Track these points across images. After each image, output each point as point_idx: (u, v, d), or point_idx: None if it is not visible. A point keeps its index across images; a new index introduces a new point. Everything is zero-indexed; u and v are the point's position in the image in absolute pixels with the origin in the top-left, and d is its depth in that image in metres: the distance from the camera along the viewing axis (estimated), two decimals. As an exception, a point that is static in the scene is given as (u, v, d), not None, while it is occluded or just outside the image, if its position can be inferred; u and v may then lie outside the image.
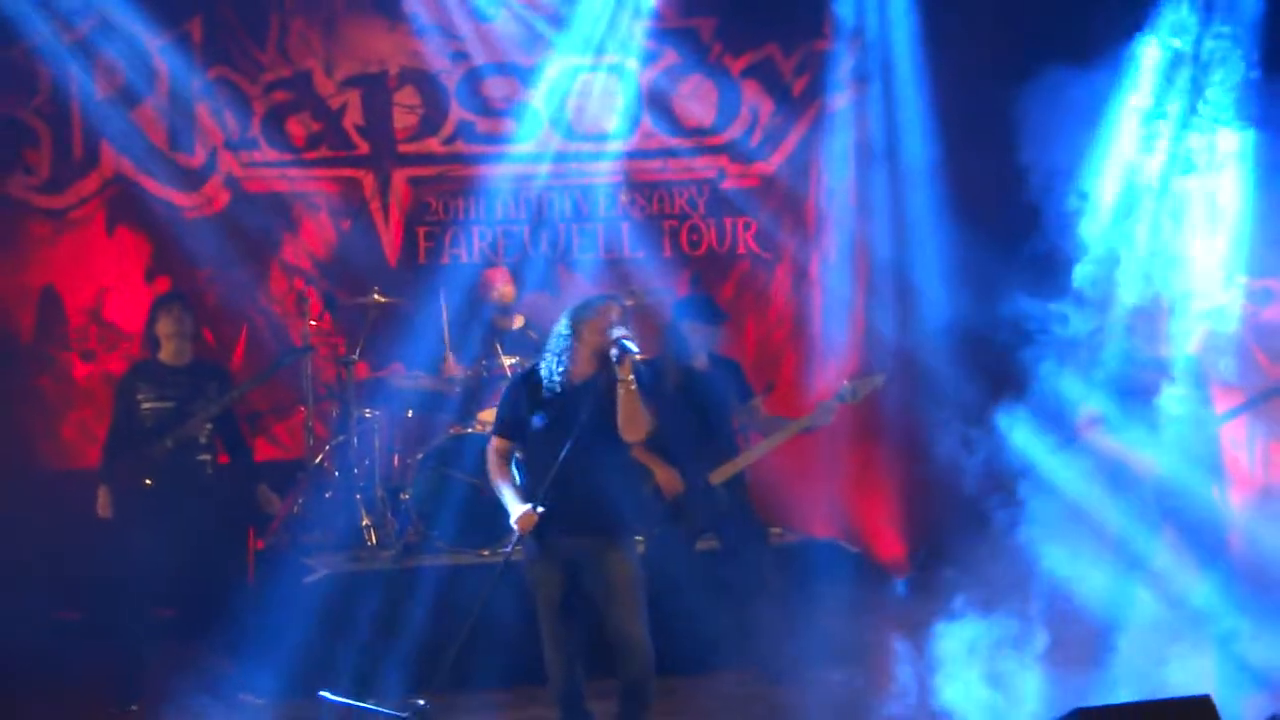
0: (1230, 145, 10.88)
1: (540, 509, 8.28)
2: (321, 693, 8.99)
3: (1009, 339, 10.21)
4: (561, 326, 8.55)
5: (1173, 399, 9.87)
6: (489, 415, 11.63)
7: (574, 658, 8.63)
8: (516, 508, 8.43)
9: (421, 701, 8.68)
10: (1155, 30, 11.04)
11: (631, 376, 8.25)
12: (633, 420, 8.33)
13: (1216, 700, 6.85)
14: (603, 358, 8.34)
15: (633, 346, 8.23)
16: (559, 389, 8.44)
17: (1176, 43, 10.99)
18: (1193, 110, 11.04)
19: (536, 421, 8.45)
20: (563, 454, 8.20)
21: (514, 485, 8.62)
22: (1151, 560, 9.72)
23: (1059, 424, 10.00)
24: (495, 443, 8.72)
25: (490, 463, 8.70)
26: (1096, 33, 11.17)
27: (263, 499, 10.89)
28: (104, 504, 10.53)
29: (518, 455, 8.81)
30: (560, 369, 8.47)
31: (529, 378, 8.62)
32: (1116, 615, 9.61)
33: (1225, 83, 10.89)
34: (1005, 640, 9.15)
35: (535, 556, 8.52)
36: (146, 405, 10.55)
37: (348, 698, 9.39)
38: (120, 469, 10.50)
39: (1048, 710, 8.34)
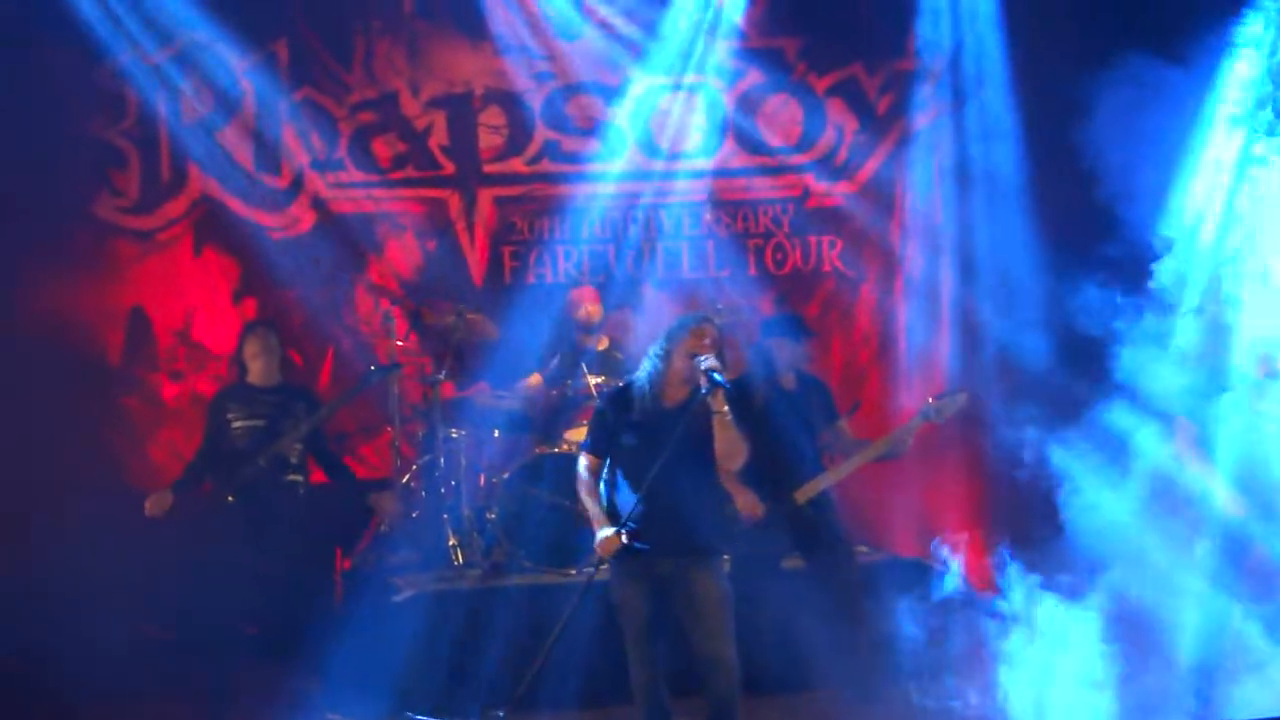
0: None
1: (625, 532, 8.28)
2: (407, 714, 9.00)
3: (1096, 338, 10.14)
4: (656, 347, 8.56)
5: (1239, 415, 9.78)
6: (574, 435, 11.65)
7: (659, 678, 8.58)
8: (601, 530, 8.42)
9: (501, 714, 8.81)
10: (1247, 40, 10.98)
11: (726, 408, 8.24)
12: (730, 450, 8.34)
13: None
14: (694, 381, 8.33)
15: (720, 378, 8.21)
16: (651, 409, 8.44)
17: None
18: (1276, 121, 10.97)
19: (627, 440, 8.47)
20: (651, 474, 8.17)
21: (601, 505, 8.59)
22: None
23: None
24: (586, 460, 8.68)
25: (580, 480, 8.69)
26: (1184, 33, 11.12)
27: (377, 504, 11.02)
28: (158, 501, 10.65)
29: (606, 475, 8.71)
30: (652, 389, 8.47)
31: (622, 396, 8.63)
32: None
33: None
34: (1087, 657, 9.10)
35: (623, 577, 8.50)
36: (237, 425, 10.67)
37: (431, 717, 9.42)
38: (205, 485, 10.59)
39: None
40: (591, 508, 8.60)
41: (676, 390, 8.46)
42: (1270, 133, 11.27)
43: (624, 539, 8.28)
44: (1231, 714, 8.95)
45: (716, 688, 8.37)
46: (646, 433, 8.38)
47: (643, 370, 8.58)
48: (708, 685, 8.42)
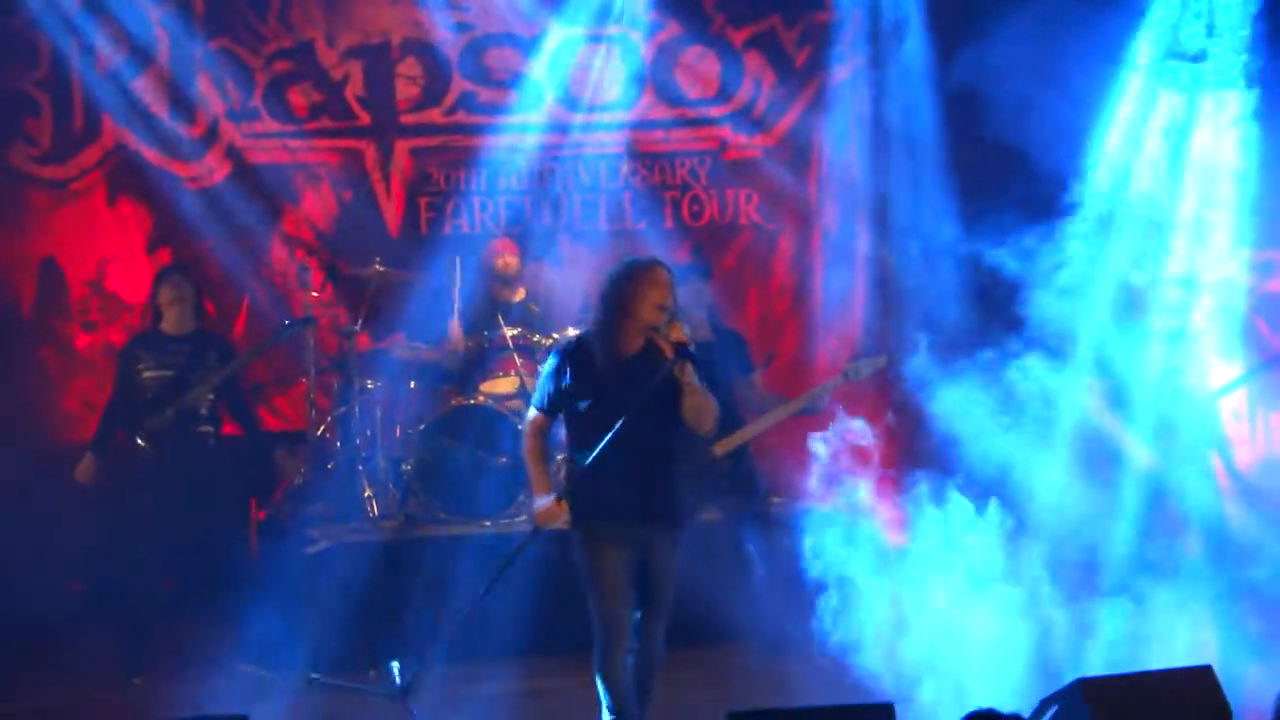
0: (1234, 109, 10.88)
1: (564, 500, 7.90)
2: (311, 675, 9.00)
3: (1011, 289, 10.17)
4: (606, 295, 8.05)
5: (1174, 368, 9.86)
6: (490, 386, 11.67)
7: (627, 648, 8.06)
8: (541, 497, 8.06)
9: (399, 680, 8.70)
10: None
11: (695, 378, 7.86)
12: (700, 415, 7.93)
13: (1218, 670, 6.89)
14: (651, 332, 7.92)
15: (690, 350, 7.82)
16: (609, 363, 7.95)
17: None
18: (1199, 65, 11.03)
19: (585, 398, 7.99)
20: (611, 434, 7.70)
21: (546, 469, 8.25)
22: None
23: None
24: (535, 417, 8.21)
25: (527, 438, 8.25)
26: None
27: (281, 463, 10.95)
28: (84, 469, 10.62)
29: (569, 439, 8.35)
30: (609, 342, 7.97)
31: (576, 351, 8.11)
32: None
33: (1232, 42, 10.89)
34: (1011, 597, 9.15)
35: (593, 542, 7.97)
36: (147, 374, 10.60)
37: (344, 671, 9.46)
38: (115, 438, 10.55)
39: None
40: (534, 472, 8.18)
41: (633, 343, 7.95)
42: (1189, 85, 11.32)
43: (563, 509, 7.92)
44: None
45: (650, 664, 8.15)
46: (606, 389, 7.91)
47: (596, 322, 8.09)
48: (642, 660, 8.13)
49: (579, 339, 8.27)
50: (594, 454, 7.77)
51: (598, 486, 7.88)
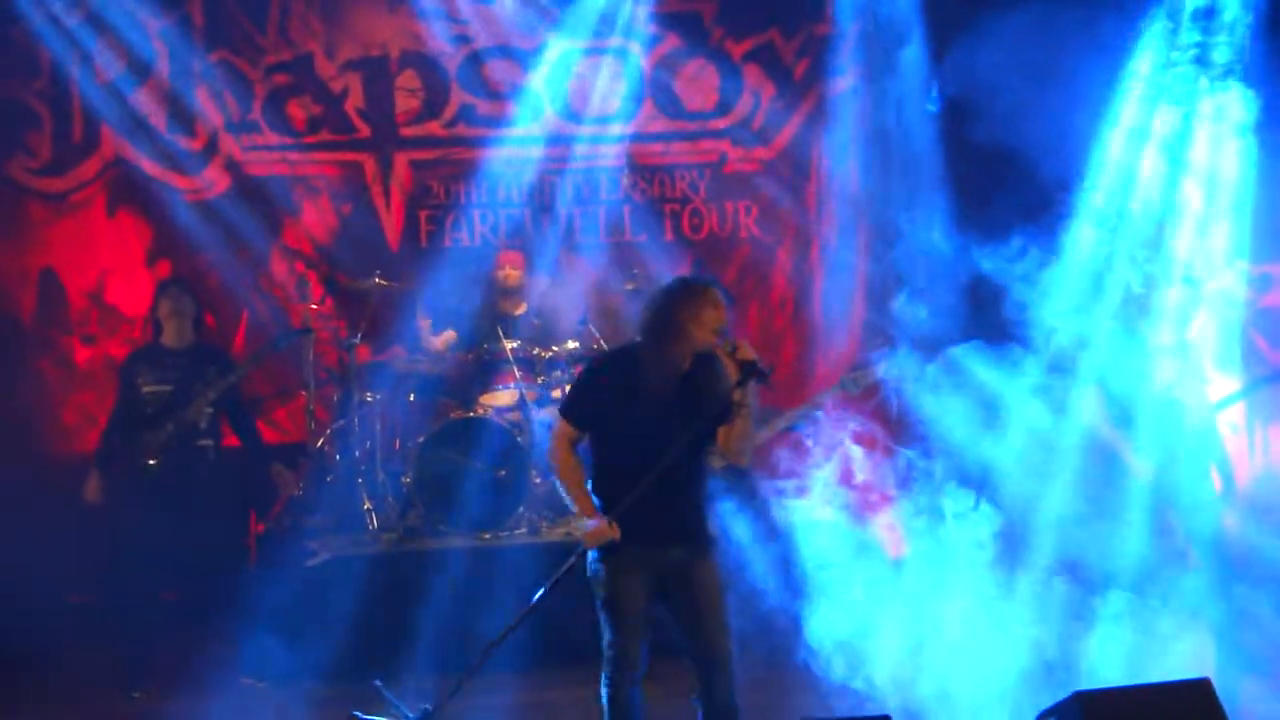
0: (1233, 120, 10.88)
1: (615, 522, 7.50)
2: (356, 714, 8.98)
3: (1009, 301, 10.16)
4: (654, 314, 7.65)
5: (1171, 383, 9.85)
6: (489, 399, 11.70)
7: (640, 678, 7.70)
8: (590, 517, 7.59)
9: (428, 706, 8.50)
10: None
11: (748, 404, 7.47)
12: (744, 445, 7.62)
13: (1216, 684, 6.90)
14: (700, 357, 7.53)
15: (762, 368, 7.40)
16: (656, 384, 7.52)
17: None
18: (1199, 73, 11.03)
19: (621, 419, 7.57)
20: (664, 460, 7.36)
21: (584, 484, 7.69)
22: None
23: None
24: (564, 429, 7.72)
25: (555, 451, 7.75)
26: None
27: (277, 477, 10.95)
28: (93, 488, 10.61)
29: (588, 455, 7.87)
30: (658, 362, 7.54)
31: (617, 368, 7.73)
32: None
33: (1231, 52, 10.89)
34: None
35: (618, 568, 7.59)
36: (147, 389, 10.61)
37: (342, 683, 9.48)
38: (119, 454, 10.54)
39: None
40: (575, 492, 7.67)
41: (679, 365, 7.54)
42: (1188, 94, 11.31)
43: (615, 530, 7.49)
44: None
45: (717, 689, 7.64)
46: (651, 411, 7.50)
47: (646, 342, 7.62)
48: (708, 686, 7.66)
49: (623, 355, 7.81)
50: (618, 473, 7.53)
51: (613, 504, 7.55)
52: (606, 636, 7.68)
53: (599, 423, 7.67)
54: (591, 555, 7.68)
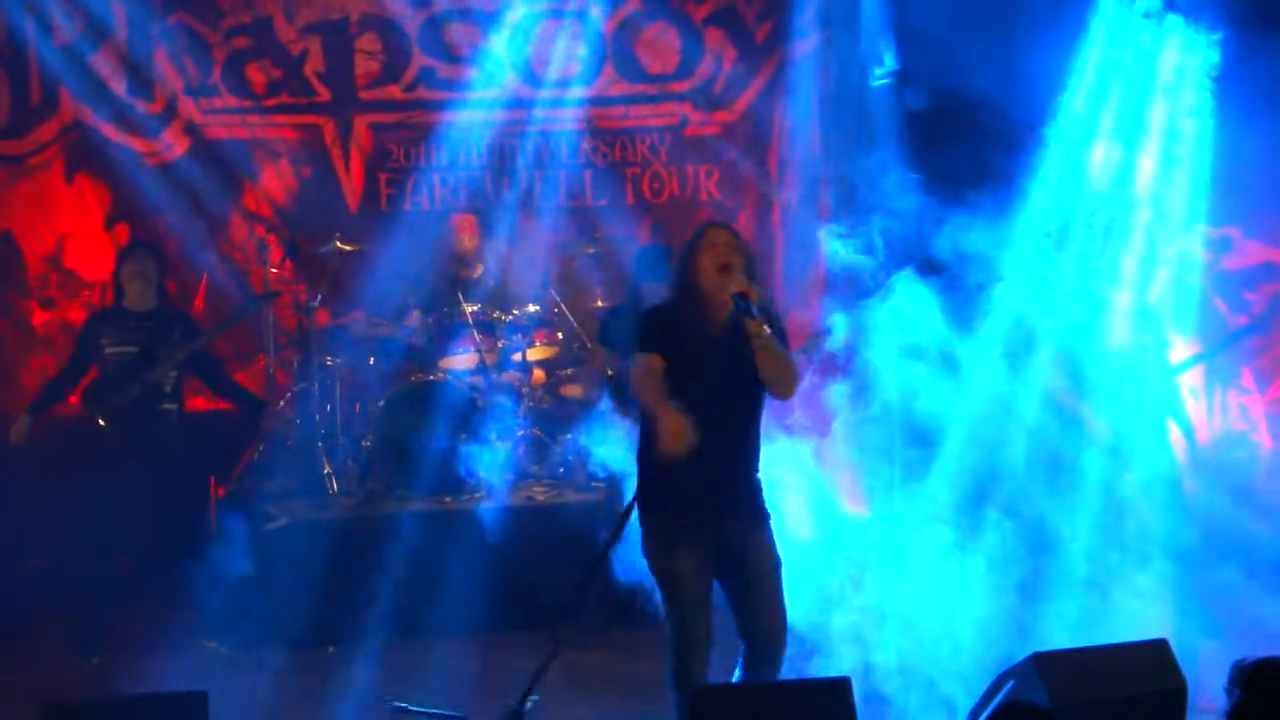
0: (1194, 80, 10.89)
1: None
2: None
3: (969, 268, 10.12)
4: (672, 276, 7.39)
5: (1131, 346, 9.87)
6: (450, 363, 11.67)
7: (706, 661, 7.24)
8: (671, 416, 6.86)
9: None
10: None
11: (767, 331, 6.93)
12: (780, 375, 7.05)
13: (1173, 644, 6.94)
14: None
15: (745, 303, 6.95)
16: (692, 338, 7.11)
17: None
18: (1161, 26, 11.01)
19: (678, 370, 7.07)
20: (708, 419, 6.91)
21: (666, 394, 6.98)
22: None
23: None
24: (652, 361, 7.08)
25: (642, 382, 7.04)
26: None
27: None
28: (19, 429, 10.65)
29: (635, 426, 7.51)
30: (688, 315, 7.17)
31: (661, 315, 7.27)
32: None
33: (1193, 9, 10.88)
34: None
35: (672, 544, 7.16)
36: (110, 350, 10.58)
37: (303, 648, 9.47)
38: (53, 406, 10.76)
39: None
40: (656, 397, 6.94)
41: (716, 317, 7.11)
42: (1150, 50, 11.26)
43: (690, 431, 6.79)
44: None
45: (764, 670, 7.24)
46: (689, 366, 7.06)
47: (669, 294, 7.32)
48: (753, 665, 7.27)
49: (661, 310, 7.32)
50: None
51: (666, 479, 7.11)
52: (667, 619, 7.24)
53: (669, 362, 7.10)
54: (639, 525, 7.29)
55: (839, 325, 9.64)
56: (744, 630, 7.28)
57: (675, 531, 7.16)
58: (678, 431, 6.79)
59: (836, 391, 9.74)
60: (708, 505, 7.12)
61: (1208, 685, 6.85)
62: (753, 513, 7.26)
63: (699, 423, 6.83)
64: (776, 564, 7.27)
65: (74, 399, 10.77)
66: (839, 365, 9.93)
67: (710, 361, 7.07)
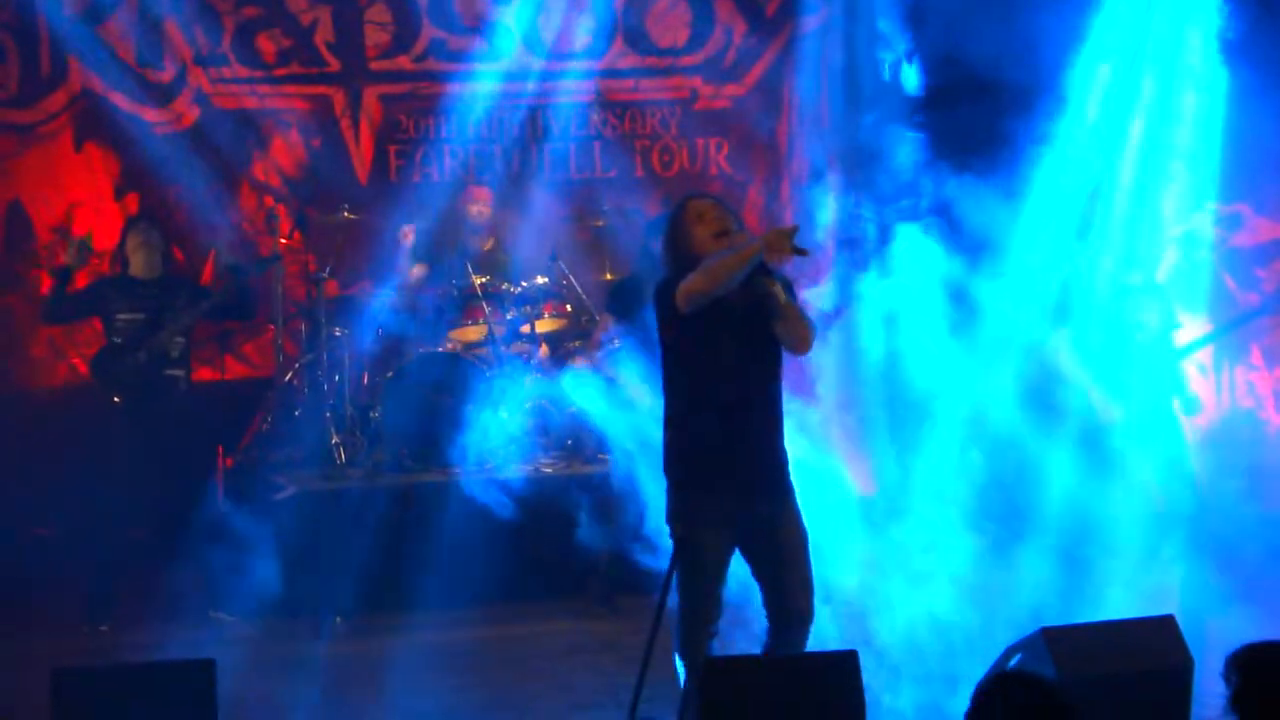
0: (1203, 57, 10.86)
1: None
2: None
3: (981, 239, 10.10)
4: (669, 251, 7.23)
5: (1141, 324, 9.86)
6: (458, 334, 11.69)
7: (713, 633, 7.24)
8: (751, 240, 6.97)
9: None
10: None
11: (777, 286, 6.97)
12: (794, 333, 7.07)
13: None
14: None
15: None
16: (707, 311, 6.96)
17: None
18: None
19: (706, 340, 7.04)
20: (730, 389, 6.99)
21: None
22: None
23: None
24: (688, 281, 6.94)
25: (706, 269, 6.85)
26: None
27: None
28: None
29: (669, 412, 7.30)
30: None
31: (676, 287, 7.05)
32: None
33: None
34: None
35: (703, 520, 7.08)
36: (121, 317, 10.59)
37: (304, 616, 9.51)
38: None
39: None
40: (725, 251, 6.90)
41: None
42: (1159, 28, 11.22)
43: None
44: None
45: (791, 647, 7.17)
46: (711, 335, 7.01)
47: (671, 272, 7.15)
48: (780, 642, 7.21)
49: (675, 282, 7.08)
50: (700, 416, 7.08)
51: (695, 455, 7.13)
52: (680, 588, 7.14)
53: (694, 330, 7.02)
54: (666, 493, 7.23)
55: (846, 295, 9.66)
56: (771, 602, 7.23)
57: (705, 503, 7.10)
58: (777, 234, 6.91)
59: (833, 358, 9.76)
60: (740, 477, 7.07)
61: (1214, 661, 6.87)
62: (782, 485, 7.19)
63: (726, 392, 6.94)
64: (805, 537, 7.22)
65: (83, 367, 10.79)
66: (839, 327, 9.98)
67: (729, 329, 7.00)
